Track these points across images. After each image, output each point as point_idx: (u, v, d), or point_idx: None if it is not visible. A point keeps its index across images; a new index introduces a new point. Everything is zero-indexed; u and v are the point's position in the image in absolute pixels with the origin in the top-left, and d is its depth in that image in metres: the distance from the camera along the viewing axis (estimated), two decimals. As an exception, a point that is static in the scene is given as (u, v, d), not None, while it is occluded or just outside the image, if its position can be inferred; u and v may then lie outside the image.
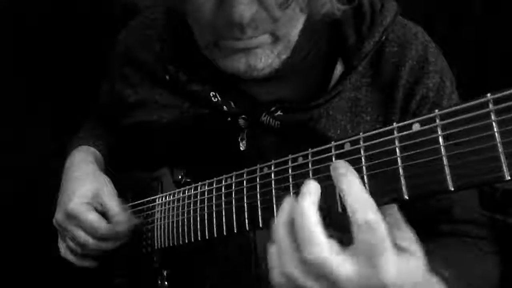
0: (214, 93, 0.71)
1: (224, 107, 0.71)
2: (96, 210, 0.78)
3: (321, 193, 0.47)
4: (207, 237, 0.63)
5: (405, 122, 0.42)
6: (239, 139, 0.71)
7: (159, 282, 0.76)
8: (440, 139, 0.39)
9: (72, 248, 0.80)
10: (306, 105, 0.67)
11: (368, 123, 0.68)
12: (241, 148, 0.71)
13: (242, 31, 0.58)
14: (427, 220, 0.70)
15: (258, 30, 0.58)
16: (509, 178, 0.35)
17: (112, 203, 0.77)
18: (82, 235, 0.77)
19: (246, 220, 0.57)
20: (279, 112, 0.69)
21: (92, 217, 0.75)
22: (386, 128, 0.43)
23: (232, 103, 0.71)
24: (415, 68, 0.67)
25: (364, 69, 0.68)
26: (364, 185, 0.44)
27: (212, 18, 0.58)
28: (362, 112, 0.68)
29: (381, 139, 0.43)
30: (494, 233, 0.73)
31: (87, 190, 0.78)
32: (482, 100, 0.36)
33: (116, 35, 0.87)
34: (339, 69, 0.68)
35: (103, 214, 0.78)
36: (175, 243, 0.70)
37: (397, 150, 0.42)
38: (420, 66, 0.67)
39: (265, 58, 0.61)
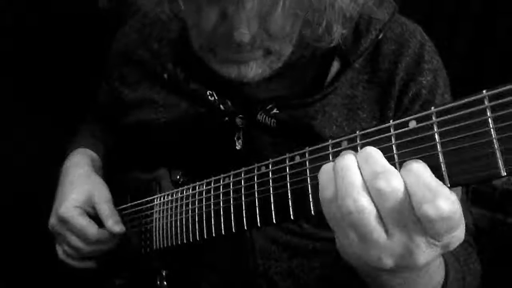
0: (210, 92, 0.71)
1: (221, 105, 0.71)
2: (89, 214, 0.78)
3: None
4: (205, 237, 0.63)
5: (402, 120, 0.42)
6: (235, 138, 0.71)
7: (158, 282, 0.76)
8: (437, 136, 0.39)
9: (67, 251, 0.80)
10: (302, 101, 0.67)
11: (364, 120, 0.68)
12: (237, 148, 0.71)
13: (239, 47, 0.59)
14: None
15: (254, 47, 0.60)
16: (505, 174, 0.35)
17: (104, 206, 0.77)
18: (73, 239, 0.77)
19: (244, 219, 0.57)
20: (275, 110, 0.69)
21: (82, 222, 0.76)
22: (383, 126, 0.43)
23: (228, 102, 0.71)
24: (411, 65, 0.68)
25: (361, 66, 0.69)
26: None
27: (213, 29, 0.59)
28: (358, 109, 0.69)
29: (378, 137, 0.43)
30: (482, 231, 0.73)
31: (79, 194, 0.78)
32: (478, 96, 0.36)
33: (115, 35, 0.88)
34: (335, 66, 0.69)
35: (96, 217, 0.78)
36: (174, 243, 0.70)
37: (394, 148, 0.42)
38: (415, 63, 0.68)
39: (256, 69, 0.63)
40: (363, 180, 0.41)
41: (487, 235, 0.74)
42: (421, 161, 0.39)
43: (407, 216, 0.39)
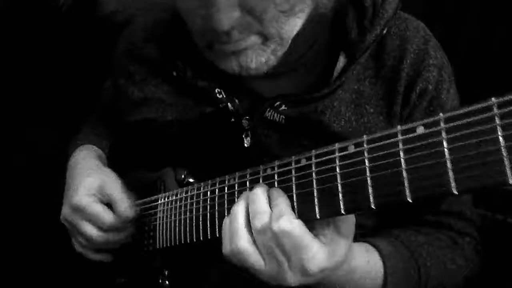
0: (219, 90, 0.71)
1: (229, 104, 0.71)
2: (102, 202, 0.77)
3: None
4: (209, 237, 0.63)
5: (409, 125, 0.42)
6: (243, 136, 0.72)
7: (160, 281, 0.77)
8: (444, 142, 0.39)
9: (82, 242, 0.79)
10: (310, 97, 0.68)
11: (371, 114, 0.69)
12: (245, 145, 0.71)
13: (227, 36, 0.58)
14: (414, 209, 0.72)
15: (244, 33, 0.59)
16: (512, 182, 0.35)
17: (117, 192, 0.76)
18: (88, 228, 0.76)
19: (248, 220, 0.57)
20: (283, 107, 0.69)
21: (98, 208, 0.75)
22: (390, 131, 0.43)
23: (236, 100, 0.71)
24: (416, 61, 0.68)
25: (366, 61, 0.69)
26: (368, 187, 0.44)
27: (202, 25, 0.59)
28: (366, 103, 0.69)
29: (385, 142, 0.44)
30: (482, 231, 0.74)
31: (91, 183, 0.77)
32: (486, 104, 0.36)
33: (117, 34, 0.87)
34: (341, 61, 0.69)
35: (109, 205, 0.77)
36: (177, 243, 0.70)
37: (401, 153, 0.42)
38: (420, 59, 0.69)
39: (257, 58, 0.62)
40: (246, 221, 0.53)
41: (487, 235, 0.75)
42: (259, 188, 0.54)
43: (271, 244, 0.50)
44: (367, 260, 0.61)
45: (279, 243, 0.50)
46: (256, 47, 0.61)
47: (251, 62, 0.62)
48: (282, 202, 0.52)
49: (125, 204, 0.75)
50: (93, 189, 0.77)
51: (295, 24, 0.61)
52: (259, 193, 0.53)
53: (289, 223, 0.49)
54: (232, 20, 0.56)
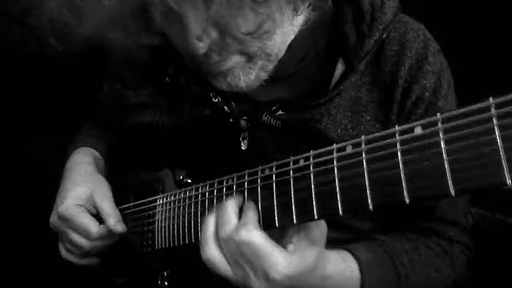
0: (214, 94, 0.71)
1: (225, 107, 0.71)
2: (90, 212, 0.78)
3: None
4: (208, 238, 0.63)
5: (407, 126, 0.42)
6: (240, 139, 0.71)
7: (159, 282, 0.76)
8: (442, 143, 0.39)
9: (70, 249, 0.80)
10: (307, 104, 0.67)
11: (368, 122, 0.68)
12: (242, 148, 0.71)
13: (206, 57, 0.58)
14: (406, 215, 0.71)
15: (223, 54, 0.58)
16: (510, 182, 0.35)
17: (105, 204, 0.77)
18: (75, 237, 0.77)
19: (247, 222, 0.57)
20: (280, 112, 0.69)
21: (82, 219, 0.76)
22: (388, 131, 0.43)
23: (233, 103, 0.71)
24: (414, 67, 0.67)
25: (365, 68, 0.68)
26: (366, 188, 0.44)
27: (184, 50, 0.60)
28: (362, 111, 0.68)
29: (383, 142, 0.43)
30: (482, 231, 0.73)
31: (80, 192, 0.78)
32: (484, 104, 0.36)
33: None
34: (340, 68, 0.68)
35: (98, 215, 0.78)
36: (176, 244, 0.70)
37: (399, 153, 0.42)
38: (418, 65, 0.67)
39: (245, 76, 0.62)
40: (215, 231, 0.56)
41: (487, 235, 0.75)
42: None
43: (233, 249, 0.54)
44: (343, 268, 0.61)
45: (240, 251, 0.52)
46: (243, 66, 0.61)
47: (239, 80, 0.61)
48: (249, 214, 0.54)
49: (113, 219, 0.77)
50: (81, 199, 0.78)
51: (279, 39, 0.60)
52: (228, 205, 0.56)
53: (248, 233, 0.52)
54: (207, 42, 0.55)
